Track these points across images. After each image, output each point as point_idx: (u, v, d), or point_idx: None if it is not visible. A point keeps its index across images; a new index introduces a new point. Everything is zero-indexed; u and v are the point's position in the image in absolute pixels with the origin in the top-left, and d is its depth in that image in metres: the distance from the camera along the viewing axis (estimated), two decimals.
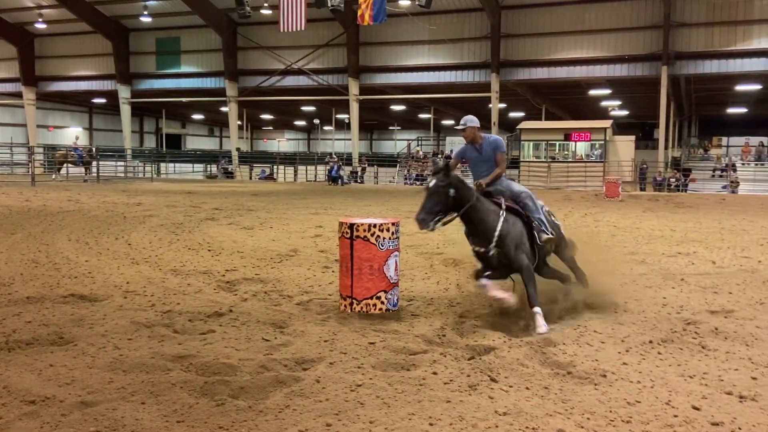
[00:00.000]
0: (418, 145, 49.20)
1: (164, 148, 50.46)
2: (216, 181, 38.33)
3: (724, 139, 48.73)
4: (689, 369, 4.55)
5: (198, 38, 39.50)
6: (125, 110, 41.73)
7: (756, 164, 37.28)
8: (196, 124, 59.61)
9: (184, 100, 43.55)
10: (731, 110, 43.09)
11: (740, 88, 34.83)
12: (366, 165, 38.58)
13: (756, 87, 34.36)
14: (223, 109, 42.63)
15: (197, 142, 60.61)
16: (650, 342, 5.16)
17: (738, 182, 30.87)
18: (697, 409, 3.82)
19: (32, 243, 10.13)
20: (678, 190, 30.29)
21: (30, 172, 28.83)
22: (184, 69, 40.61)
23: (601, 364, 4.59)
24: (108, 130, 51.39)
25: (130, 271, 8.13)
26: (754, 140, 43.27)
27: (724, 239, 12.12)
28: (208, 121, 58.63)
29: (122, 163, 39.14)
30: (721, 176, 34.23)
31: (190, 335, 5.31)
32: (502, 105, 37.43)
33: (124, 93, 41.17)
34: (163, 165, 43.66)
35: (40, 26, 39.63)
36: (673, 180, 31.10)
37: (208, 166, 45.11)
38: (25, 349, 4.89)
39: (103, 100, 46.57)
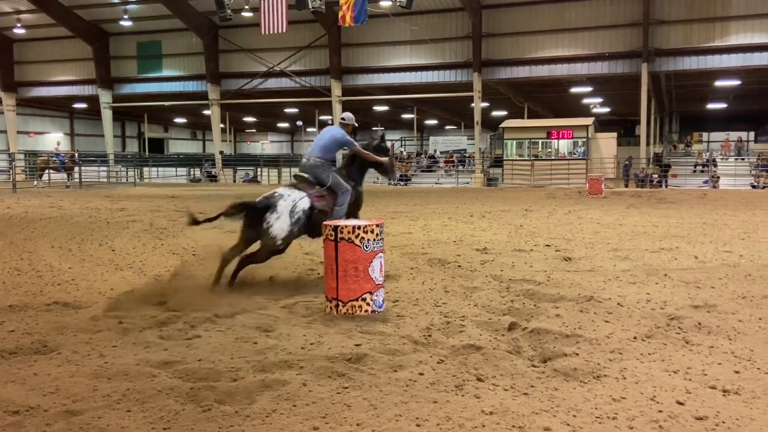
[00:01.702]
0: (401, 146, 49.28)
1: (147, 153, 50.18)
2: (199, 184, 38.15)
3: (705, 135, 49.26)
4: (673, 364, 4.58)
5: (179, 41, 39.32)
6: (107, 115, 41.43)
7: (736, 159, 37.76)
8: (179, 127, 59.32)
9: (166, 103, 43.37)
10: (711, 106, 43.51)
11: (719, 83, 35.21)
12: None
13: (735, 82, 34.76)
14: (206, 112, 42.45)
15: (180, 145, 60.31)
16: (634, 338, 5.20)
17: (719, 177, 31.22)
18: (682, 404, 3.85)
19: (14, 251, 10.02)
20: (660, 186, 30.56)
21: (11, 179, 28.56)
22: (166, 73, 40.42)
23: (586, 361, 4.62)
24: (90, 135, 50.99)
25: (114, 277, 8.06)
26: (734, 135, 43.80)
27: (706, 234, 12.22)
28: (190, 124, 58.37)
29: (105, 168, 38.91)
30: (702, 171, 34.59)
31: (175, 341, 5.27)
32: (485, 104, 37.58)
33: (105, 98, 40.88)
34: (146, 169, 43.47)
35: (19, 31, 39.28)
36: (655, 176, 31.38)
37: (192, 169, 44.90)
38: (8, 358, 4.83)
39: (84, 105, 46.20)
